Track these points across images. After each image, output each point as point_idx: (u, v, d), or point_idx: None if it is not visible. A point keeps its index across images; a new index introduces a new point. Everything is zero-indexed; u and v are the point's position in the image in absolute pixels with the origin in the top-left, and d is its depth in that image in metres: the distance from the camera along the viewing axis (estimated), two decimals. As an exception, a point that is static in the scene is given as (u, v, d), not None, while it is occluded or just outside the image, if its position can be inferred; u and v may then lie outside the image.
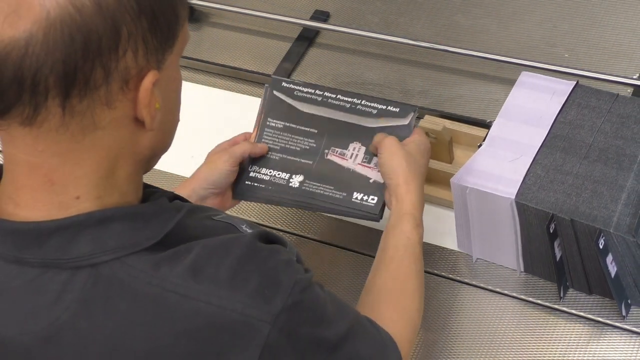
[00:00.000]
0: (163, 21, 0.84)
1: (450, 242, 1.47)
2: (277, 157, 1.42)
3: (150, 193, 0.94)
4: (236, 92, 1.84)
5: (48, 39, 0.77)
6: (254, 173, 1.42)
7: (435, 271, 1.44)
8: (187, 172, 1.47)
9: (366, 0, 1.97)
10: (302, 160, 1.42)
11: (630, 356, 1.30)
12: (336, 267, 1.49)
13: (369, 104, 1.43)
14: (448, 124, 1.52)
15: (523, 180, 1.30)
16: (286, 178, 1.41)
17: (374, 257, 1.25)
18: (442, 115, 1.58)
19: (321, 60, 1.88)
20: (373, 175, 1.37)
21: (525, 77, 1.45)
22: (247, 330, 0.85)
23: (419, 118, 1.49)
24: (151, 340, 0.83)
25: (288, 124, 1.45)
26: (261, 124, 1.46)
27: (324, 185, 1.39)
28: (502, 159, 1.34)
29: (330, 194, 1.38)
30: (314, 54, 1.90)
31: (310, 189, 1.39)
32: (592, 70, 1.64)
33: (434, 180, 1.48)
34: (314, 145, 1.42)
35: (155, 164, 0.95)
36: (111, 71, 0.81)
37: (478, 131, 1.48)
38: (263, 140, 1.44)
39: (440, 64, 1.81)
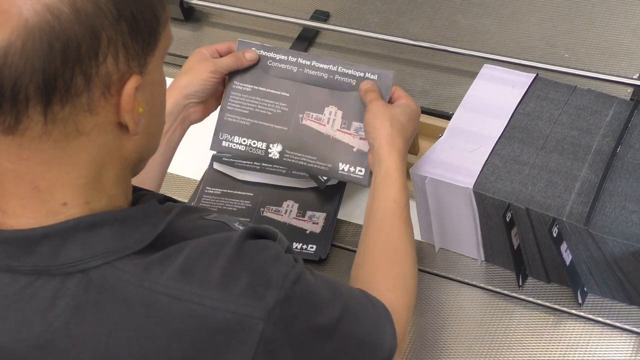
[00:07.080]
0: (143, 25, 0.83)
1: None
2: (247, 123, 1.39)
3: (140, 196, 0.94)
4: (236, 91, 1.86)
5: (27, 47, 0.76)
6: (227, 142, 1.39)
7: (398, 260, 1.46)
8: (187, 171, 1.51)
9: (366, 0, 1.98)
10: (276, 126, 1.38)
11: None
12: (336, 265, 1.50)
13: (347, 72, 1.37)
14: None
15: (481, 170, 1.32)
16: (264, 148, 1.37)
17: None
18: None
19: (321, 60, 1.90)
20: (355, 143, 1.36)
21: (486, 69, 1.47)
22: (240, 329, 0.85)
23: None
24: (145, 344, 0.83)
25: (256, 87, 1.39)
26: (226, 88, 1.40)
27: (306, 156, 1.37)
28: (462, 150, 1.36)
29: (315, 165, 1.36)
30: (314, 53, 1.89)
31: (293, 160, 1.37)
32: (592, 70, 1.64)
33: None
34: (286, 109, 1.38)
35: (143, 167, 0.94)
36: (92, 78, 0.80)
37: (444, 123, 1.49)
38: (229, 106, 1.39)
39: (440, 64, 1.82)
